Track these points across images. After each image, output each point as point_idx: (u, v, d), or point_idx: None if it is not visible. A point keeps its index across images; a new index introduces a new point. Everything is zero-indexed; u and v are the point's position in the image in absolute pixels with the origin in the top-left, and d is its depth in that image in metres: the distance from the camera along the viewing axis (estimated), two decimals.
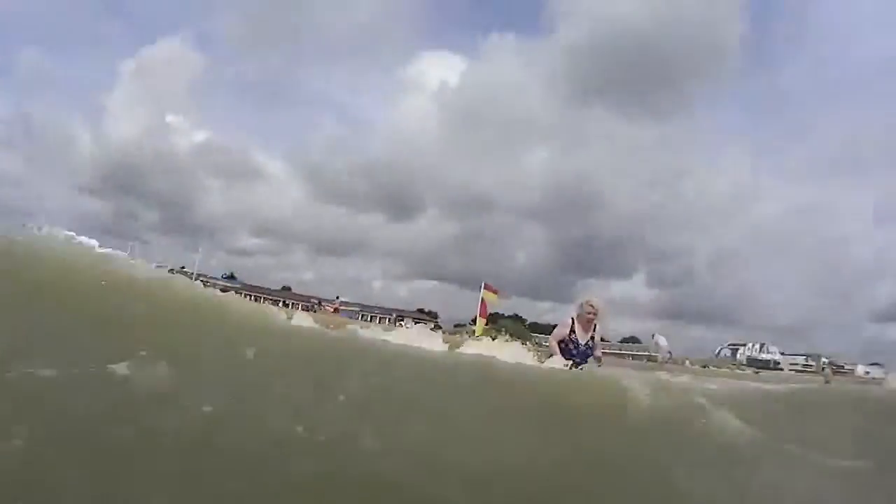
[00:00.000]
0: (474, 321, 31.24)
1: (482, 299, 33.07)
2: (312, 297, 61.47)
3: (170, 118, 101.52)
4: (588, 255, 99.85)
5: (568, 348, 5.59)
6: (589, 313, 5.68)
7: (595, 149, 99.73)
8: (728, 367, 51.52)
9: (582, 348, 5.63)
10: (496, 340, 6.47)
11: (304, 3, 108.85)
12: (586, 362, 5.55)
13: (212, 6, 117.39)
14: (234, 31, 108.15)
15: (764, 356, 66.76)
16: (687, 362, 47.05)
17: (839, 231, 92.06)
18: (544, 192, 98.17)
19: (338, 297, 59.00)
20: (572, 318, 5.72)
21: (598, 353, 5.74)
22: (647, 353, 41.68)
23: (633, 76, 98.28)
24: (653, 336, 41.64)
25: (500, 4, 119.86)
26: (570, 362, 5.22)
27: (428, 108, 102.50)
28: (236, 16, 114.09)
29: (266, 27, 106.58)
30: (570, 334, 5.63)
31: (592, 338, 5.75)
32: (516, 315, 69.23)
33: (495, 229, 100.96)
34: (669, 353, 38.63)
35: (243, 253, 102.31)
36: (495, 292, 34.57)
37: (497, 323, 61.70)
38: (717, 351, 72.53)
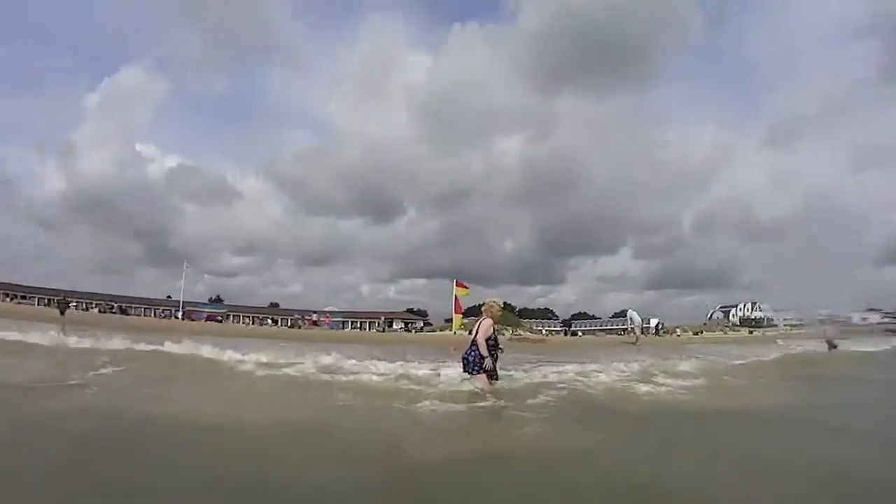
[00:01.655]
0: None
1: (455, 296, 34.97)
2: (296, 312, 59.83)
3: (140, 147, 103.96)
4: (573, 234, 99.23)
5: (496, 343, 6.87)
6: (497, 312, 7.14)
7: (568, 129, 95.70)
8: (721, 330, 55.30)
9: (497, 341, 7.02)
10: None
11: (263, 16, 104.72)
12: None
13: (168, 29, 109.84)
14: (195, 50, 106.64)
15: (756, 314, 72.44)
16: (678, 330, 49.48)
17: (818, 184, 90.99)
18: (523, 178, 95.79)
19: (315, 312, 57.69)
20: (490, 320, 6.98)
21: (501, 346, 7.13)
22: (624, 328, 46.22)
23: (599, 52, 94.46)
24: (626, 312, 44.01)
25: None
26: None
27: (398, 108, 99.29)
28: (196, 35, 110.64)
29: (227, 43, 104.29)
30: (494, 333, 6.88)
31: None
32: (505, 303, 53.30)
33: (477, 220, 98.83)
34: (647, 326, 43.24)
35: (229, 274, 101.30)
36: (465, 287, 35.98)
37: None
38: (708, 314, 75.17)
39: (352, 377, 7.44)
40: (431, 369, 8.77)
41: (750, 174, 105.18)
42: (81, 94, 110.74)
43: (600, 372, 9.15)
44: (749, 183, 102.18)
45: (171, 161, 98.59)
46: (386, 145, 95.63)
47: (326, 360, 9.23)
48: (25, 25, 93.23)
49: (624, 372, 9.39)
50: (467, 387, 6.81)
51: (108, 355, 8.29)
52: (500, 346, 7.04)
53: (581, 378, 8.33)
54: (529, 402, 6.36)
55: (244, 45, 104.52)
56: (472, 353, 6.82)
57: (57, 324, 19.20)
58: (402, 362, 9.65)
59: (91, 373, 6.94)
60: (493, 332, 6.86)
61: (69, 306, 22.92)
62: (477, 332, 6.96)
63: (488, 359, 6.65)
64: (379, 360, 9.77)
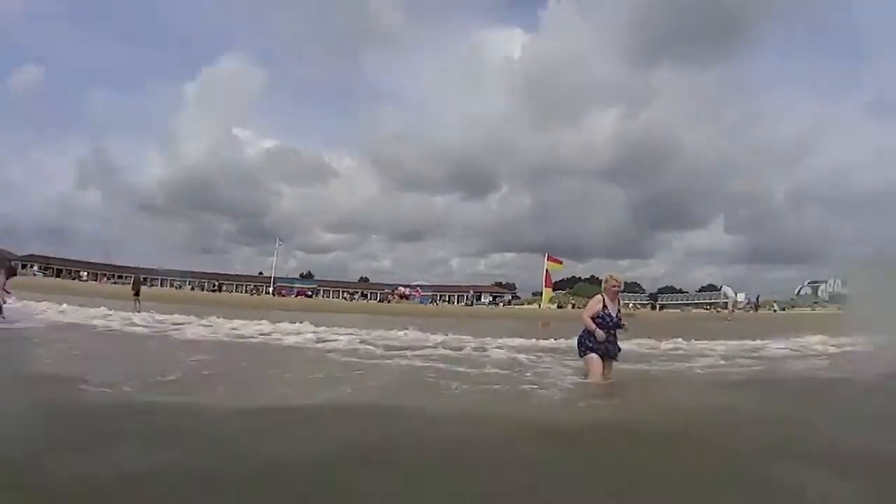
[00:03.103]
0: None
1: (546, 270, 35.90)
2: (386, 287, 59.65)
3: (237, 131, 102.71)
4: (664, 209, 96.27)
5: (604, 322, 6.04)
6: (614, 287, 6.22)
7: (663, 103, 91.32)
8: (809, 306, 50.34)
9: (614, 319, 6.12)
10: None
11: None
12: (617, 330, 6.17)
13: (264, 16, 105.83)
14: (289, 36, 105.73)
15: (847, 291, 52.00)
16: (775, 306, 47.04)
17: None
18: (616, 153, 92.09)
19: (407, 286, 56.66)
20: (602, 295, 6.20)
21: (624, 322, 6.25)
22: (718, 303, 44.20)
23: (697, 23, 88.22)
24: (720, 287, 44.56)
25: None
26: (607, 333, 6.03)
27: (493, 85, 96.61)
28: (293, 21, 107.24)
29: (320, 28, 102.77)
30: (602, 309, 6.09)
31: (619, 309, 6.28)
32: (593, 277, 63.80)
33: (569, 194, 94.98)
34: (738, 301, 40.34)
35: (321, 250, 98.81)
36: (559, 262, 37.35)
37: (574, 287, 64.63)
38: (797, 290, 70.21)
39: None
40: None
41: (850, 146, 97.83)
42: (181, 84, 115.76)
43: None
44: (848, 155, 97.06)
45: (268, 143, 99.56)
46: (481, 122, 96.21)
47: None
48: (130, 22, 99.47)
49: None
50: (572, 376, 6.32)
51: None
52: (623, 322, 6.22)
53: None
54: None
55: (340, 28, 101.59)
56: (581, 334, 6.22)
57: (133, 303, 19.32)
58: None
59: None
60: (605, 309, 6.10)
61: (141, 287, 23.21)
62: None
63: (599, 331, 5.96)
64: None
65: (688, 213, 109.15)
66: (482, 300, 61.20)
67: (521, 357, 7.81)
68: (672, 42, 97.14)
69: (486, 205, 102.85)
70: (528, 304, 51.92)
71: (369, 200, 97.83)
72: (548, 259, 35.46)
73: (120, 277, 52.02)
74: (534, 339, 10.44)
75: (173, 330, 9.99)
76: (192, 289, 52.83)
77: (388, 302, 49.50)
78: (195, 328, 10.25)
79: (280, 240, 62.48)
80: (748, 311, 43.10)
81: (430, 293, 61.66)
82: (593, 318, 6.04)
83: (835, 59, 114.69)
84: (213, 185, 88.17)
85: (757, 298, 48.41)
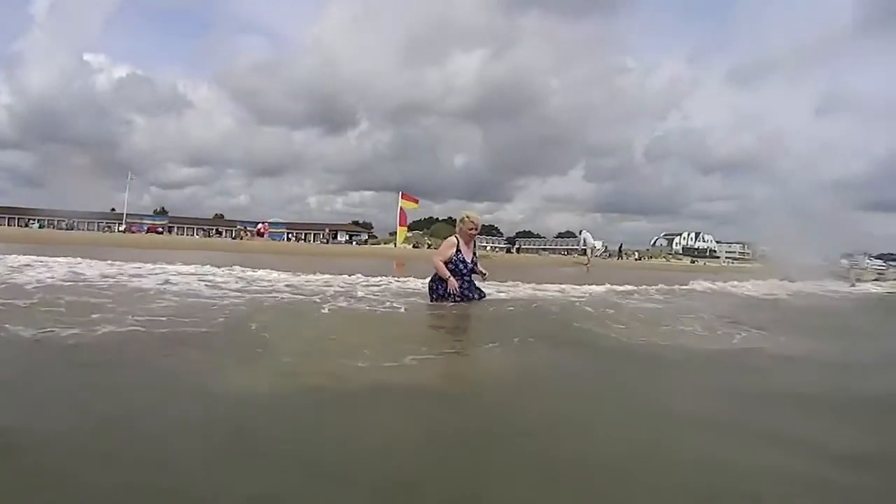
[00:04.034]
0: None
1: (400, 208, 35.96)
2: (238, 223, 61.13)
3: (88, 56, 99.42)
4: (524, 154, 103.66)
5: (457, 268, 5.59)
6: (471, 229, 5.74)
7: (529, 49, 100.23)
8: (664, 257, 55.26)
9: (469, 266, 5.67)
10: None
11: None
12: (471, 276, 5.74)
13: None
14: None
15: (700, 245, 74.70)
16: (636, 254, 51.56)
17: (777, 124, 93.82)
18: (479, 95, 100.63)
19: (261, 223, 56.07)
20: (456, 237, 5.70)
21: (480, 267, 5.81)
22: (576, 248, 45.74)
23: None
24: (580, 232, 45.28)
25: None
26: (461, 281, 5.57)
27: (355, 19, 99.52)
28: None
29: None
30: (456, 253, 5.60)
31: (475, 253, 5.83)
32: (450, 218, 67.39)
33: (430, 134, 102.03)
34: (596, 248, 40.75)
35: (177, 185, 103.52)
36: (415, 201, 37.65)
37: (431, 228, 69.29)
38: (652, 241, 76.51)
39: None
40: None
41: (709, 108, 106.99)
42: (28, 2, 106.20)
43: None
44: (707, 116, 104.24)
45: (121, 71, 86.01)
46: (342, 56, 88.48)
47: None
48: None
49: None
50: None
51: None
52: (483, 269, 5.80)
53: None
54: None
55: None
56: (433, 277, 5.71)
57: None
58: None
59: None
60: (459, 254, 5.58)
61: None
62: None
63: (452, 279, 5.44)
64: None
65: (548, 160, 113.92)
66: (339, 238, 61.09)
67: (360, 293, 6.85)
68: None
69: (345, 140, 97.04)
70: (385, 243, 52.69)
71: (226, 134, 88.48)
72: (402, 197, 35.76)
73: None
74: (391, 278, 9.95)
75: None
76: (41, 227, 49.56)
77: (242, 239, 47.60)
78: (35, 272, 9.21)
79: (132, 174, 58.36)
80: (605, 258, 45.27)
81: (282, 230, 60.03)
82: (445, 264, 5.55)
83: (702, 24, 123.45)
84: (64, 116, 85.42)
85: (620, 247, 51.20)
